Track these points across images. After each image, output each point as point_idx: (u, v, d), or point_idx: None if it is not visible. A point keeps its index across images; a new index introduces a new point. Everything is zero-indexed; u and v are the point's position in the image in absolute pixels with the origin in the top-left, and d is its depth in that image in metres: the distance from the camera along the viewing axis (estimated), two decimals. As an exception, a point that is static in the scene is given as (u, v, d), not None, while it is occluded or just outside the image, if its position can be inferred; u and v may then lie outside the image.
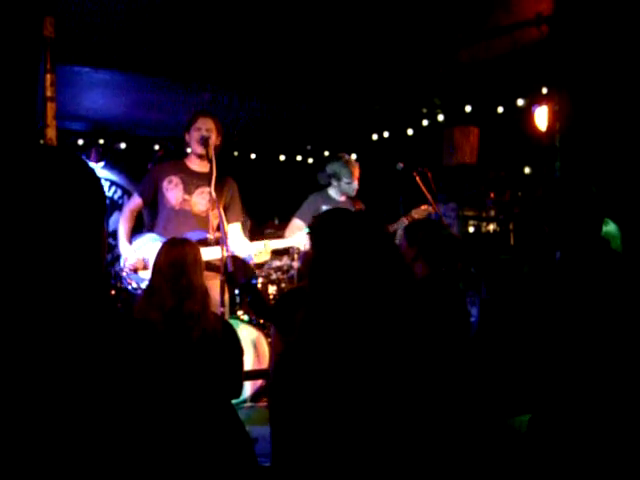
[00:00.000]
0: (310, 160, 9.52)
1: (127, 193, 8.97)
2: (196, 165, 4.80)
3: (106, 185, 8.76)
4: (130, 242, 4.72)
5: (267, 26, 5.11)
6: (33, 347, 1.08)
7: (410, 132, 7.78)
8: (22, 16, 4.47)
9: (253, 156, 9.21)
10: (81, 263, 1.16)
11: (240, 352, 3.57)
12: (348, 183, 5.48)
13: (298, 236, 4.87)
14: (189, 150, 4.91)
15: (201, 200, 4.71)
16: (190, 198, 4.70)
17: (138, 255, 4.62)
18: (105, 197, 1.26)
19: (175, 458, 1.08)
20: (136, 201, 4.86)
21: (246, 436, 1.21)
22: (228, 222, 4.69)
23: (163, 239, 4.17)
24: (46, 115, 4.28)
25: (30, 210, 1.11)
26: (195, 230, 4.61)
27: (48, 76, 4.29)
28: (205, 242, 4.52)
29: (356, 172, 5.51)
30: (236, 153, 9.13)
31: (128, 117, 7.73)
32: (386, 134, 8.19)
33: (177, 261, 3.32)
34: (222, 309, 4.85)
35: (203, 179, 4.69)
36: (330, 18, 4.96)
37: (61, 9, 4.38)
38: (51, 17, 4.32)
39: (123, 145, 8.58)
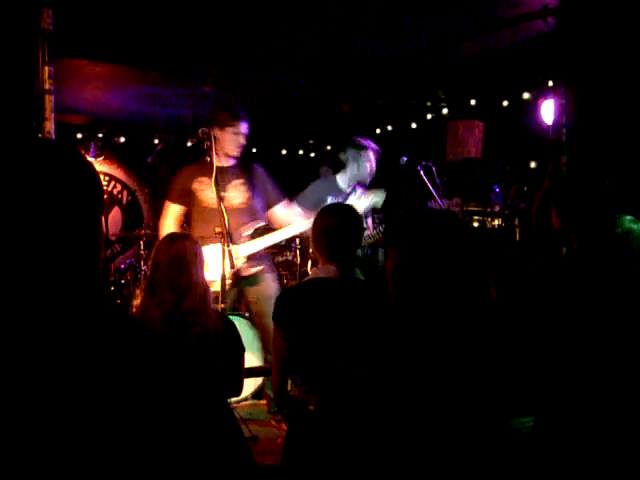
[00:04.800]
0: (312, 154, 9.48)
1: (126, 187, 8.93)
2: (222, 161, 4.75)
3: (105, 179, 8.72)
4: None
5: (269, 18, 5.06)
6: (28, 345, 1.06)
7: (414, 126, 7.73)
8: (19, 8, 4.42)
9: (254, 150, 9.15)
10: (77, 259, 1.14)
11: (241, 350, 3.52)
12: (366, 169, 5.32)
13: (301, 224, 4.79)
14: (212, 145, 4.66)
15: (237, 193, 4.74)
16: (226, 194, 4.65)
17: None
18: (103, 192, 1.23)
19: (170, 456, 1.06)
20: (177, 209, 4.78)
21: (242, 435, 1.18)
22: (272, 205, 4.79)
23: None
24: (44, 108, 4.24)
25: (26, 204, 1.09)
26: (240, 225, 4.68)
27: (46, 69, 4.27)
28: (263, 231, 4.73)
29: (373, 157, 5.35)
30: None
31: (127, 111, 7.69)
32: (390, 128, 8.14)
33: (177, 257, 3.26)
34: (222, 305, 4.80)
35: (231, 173, 4.73)
36: (334, 10, 4.90)
37: (59, 1, 4.32)
38: (49, 9, 4.26)
39: (122, 139, 8.54)
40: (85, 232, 1.15)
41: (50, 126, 4.24)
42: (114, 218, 8.78)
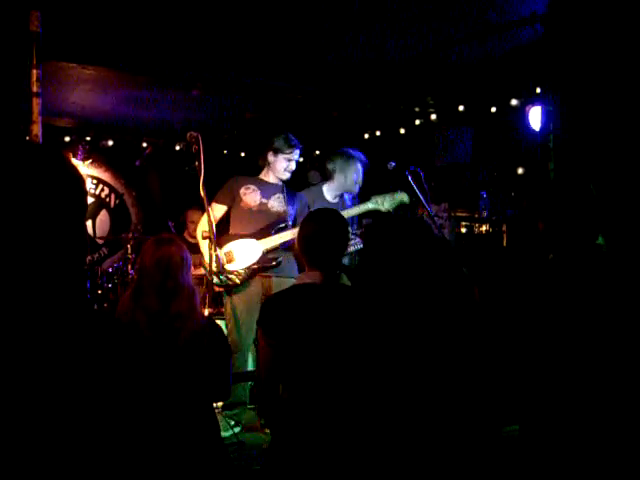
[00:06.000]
0: (300, 159, 9.45)
1: (114, 191, 8.89)
2: (270, 178, 5.17)
3: (93, 183, 8.68)
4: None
5: (258, 23, 5.05)
6: (7, 347, 1.05)
7: (402, 131, 7.73)
8: (7, 11, 4.40)
9: (243, 154, 9.14)
10: (60, 262, 1.13)
11: (228, 353, 3.50)
12: (353, 179, 5.35)
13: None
14: (265, 165, 5.18)
15: (278, 203, 5.09)
16: (267, 202, 5.07)
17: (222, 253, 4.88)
18: (86, 195, 1.22)
19: (148, 458, 1.07)
20: (222, 209, 5.10)
21: (220, 439, 1.18)
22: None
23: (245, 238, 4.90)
24: (32, 111, 4.22)
25: (8, 207, 1.08)
26: (272, 226, 4.99)
27: (34, 72, 4.24)
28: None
29: (361, 169, 5.39)
30: (225, 151, 9.06)
31: (116, 114, 7.65)
32: (378, 133, 8.14)
33: (163, 261, 3.24)
34: (210, 309, 4.80)
35: (276, 188, 5.14)
36: (323, 15, 4.91)
37: (48, 3, 4.30)
38: (37, 11, 4.25)
39: (110, 142, 8.51)
40: (68, 235, 1.14)
41: (37, 129, 4.22)
42: (102, 221, 8.75)
